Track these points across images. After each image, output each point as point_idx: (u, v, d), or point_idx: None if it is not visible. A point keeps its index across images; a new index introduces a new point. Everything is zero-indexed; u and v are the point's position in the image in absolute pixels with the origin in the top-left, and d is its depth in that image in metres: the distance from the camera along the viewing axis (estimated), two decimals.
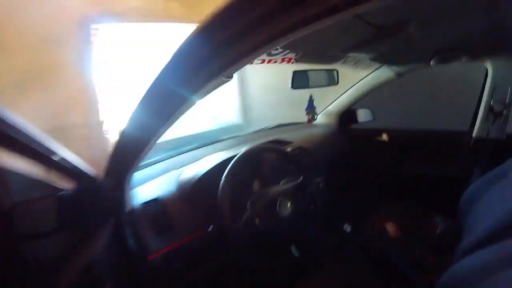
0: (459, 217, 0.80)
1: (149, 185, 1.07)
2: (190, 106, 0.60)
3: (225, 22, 0.43)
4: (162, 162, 1.29)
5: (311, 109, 1.97)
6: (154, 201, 0.97)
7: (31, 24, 2.22)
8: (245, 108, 3.69)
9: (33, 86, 2.27)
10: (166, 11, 2.79)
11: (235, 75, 0.55)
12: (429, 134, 1.74)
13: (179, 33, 2.97)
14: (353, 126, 1.92)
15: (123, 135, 0.71)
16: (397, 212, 1.51)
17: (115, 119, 2.68)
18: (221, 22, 0.43)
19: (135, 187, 1.02)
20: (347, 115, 1.92)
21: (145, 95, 0.58)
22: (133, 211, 0.87)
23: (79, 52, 2.43)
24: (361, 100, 1.87)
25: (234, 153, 1.11)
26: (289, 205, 0.99)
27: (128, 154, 0.74)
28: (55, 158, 0.62)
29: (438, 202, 1.35)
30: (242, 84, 4.02)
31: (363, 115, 1.87)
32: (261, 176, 1.10)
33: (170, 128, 0.66)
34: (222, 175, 0.95)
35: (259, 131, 1.88)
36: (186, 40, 0.47)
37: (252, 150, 1.04)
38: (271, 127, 1.92)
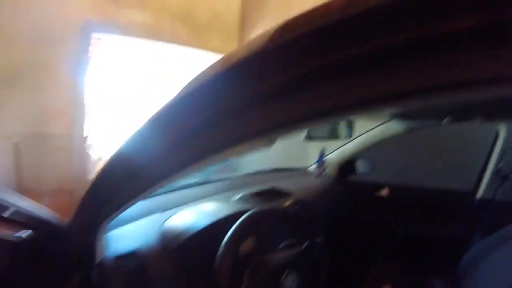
0: (460, 279, 0.77)
1: (125, 230, 0.89)
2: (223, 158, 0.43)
3: (296, 58, 0.28)
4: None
5: (320, 163, 1.77)
6: (131, 255, 0.80)
7: (31, 21, 2.13)
8: None
9: (21, 85, 2.14)
10: (172, 32, 2.76)
11: None
12: (429, 191, 1.67)
13: (183, 57, 2.92)
14: (352, 177, 1.82)
15: (111, 165, 0.53)
16: (395, 274, 1.42)
17: (100, 135, 2.51)
18: (291, 56, 0.28)
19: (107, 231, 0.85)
20: (346, 165, 1.83)
21: (160, 115, 0.40)
22: (103, 265, 0.70)
23: (75, 58, 2.31)
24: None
25: (229, 209, 1.00)
26: (295, 277, 0.84)
27: (114, 194, 0.56)
28: (6, 214, 0.47)
29: (436, 263, 1.30)
30: None
31: (362, 165, 1.78)
32: (257, 235, 0.92)
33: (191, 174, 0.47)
34: (216, 238, 0.81)
35: (253, 174, 1.74)
36: (225, 64, 0.32)
37: (256, 216, 0.88)
38: (266, 170, 1.80)
